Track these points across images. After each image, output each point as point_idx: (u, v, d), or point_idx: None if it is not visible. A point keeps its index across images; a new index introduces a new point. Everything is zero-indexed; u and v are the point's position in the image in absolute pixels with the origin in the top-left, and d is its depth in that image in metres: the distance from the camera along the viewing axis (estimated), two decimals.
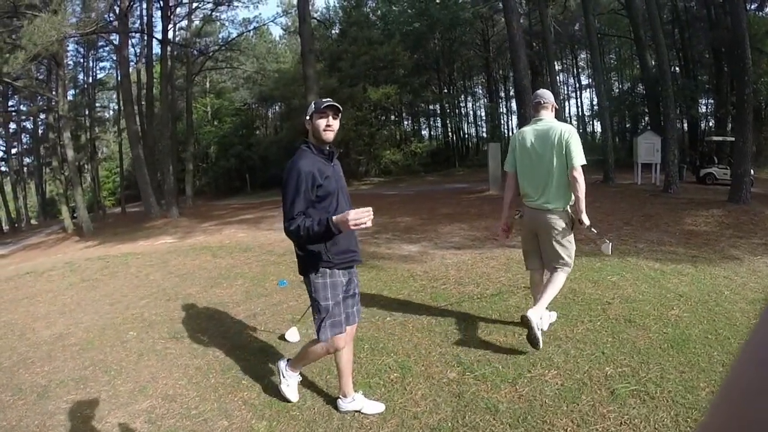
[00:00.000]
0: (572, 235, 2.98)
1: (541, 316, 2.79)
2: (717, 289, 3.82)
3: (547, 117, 2.99)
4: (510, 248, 5.67)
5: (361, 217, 1.92)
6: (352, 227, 1.92)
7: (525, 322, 2.78)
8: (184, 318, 4.32)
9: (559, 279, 2.95)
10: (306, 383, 2.82)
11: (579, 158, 2.81)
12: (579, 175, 2.79)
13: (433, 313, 3.77)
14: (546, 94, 3.04)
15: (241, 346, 3.48)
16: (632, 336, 2.97)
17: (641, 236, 6.25)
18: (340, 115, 2.31)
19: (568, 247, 2.95)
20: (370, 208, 1.96)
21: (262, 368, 3.06)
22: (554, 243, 2.92)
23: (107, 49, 23.77)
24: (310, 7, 29.38)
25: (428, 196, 13.63)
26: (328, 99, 2.31)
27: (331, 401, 2.59)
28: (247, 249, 8.21)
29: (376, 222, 8.98)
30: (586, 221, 2.87)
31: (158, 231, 13.31)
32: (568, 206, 2.93)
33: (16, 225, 27.90)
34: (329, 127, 2.26)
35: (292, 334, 3.53)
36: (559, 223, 2.89)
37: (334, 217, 2.02)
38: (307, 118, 2.31)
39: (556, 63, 32.86)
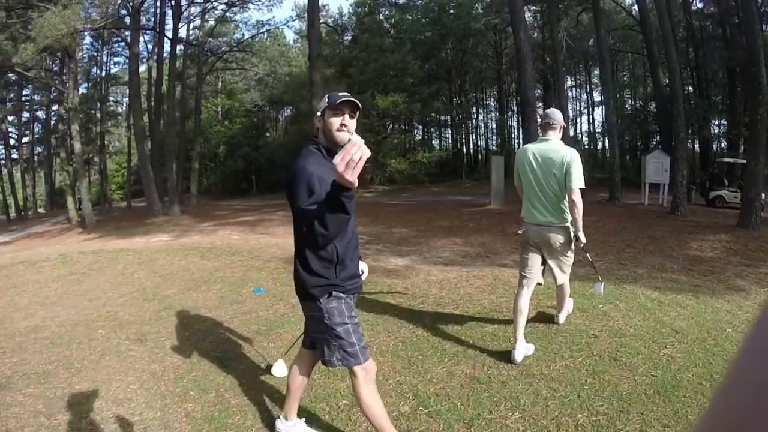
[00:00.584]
0: (573, 247, 3.15)
1: (568, 311, 3.48)
2: (718, 326, 3.50)
3: (554, 138, 3.08)
4: (500, 267, 5.41)
5: (351, 154, 1.41)
6: (346, 172, 1.40)
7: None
8: (154, 320, 4.28)
9: (566, 286, 3.30)
10: (253, 400, 2.70)
11: (578, 181, 2.91)
12: (577, 197, 2.90)
13: (401, 336, 3.51)
14: (556, 115, 3.11)
15: (199, 354, 3.38)
16: (615, 377, 2.65)
17: (642, 260, 5.93)
18: (358, 113, 1.93)
19: (570, 259, 3.19)
20: (355, 139, 1.44)
21: (213, 380, 2.96)
22: (559, 257, 3.12)
23: (122, 44, 23.96)
24: (325, 12, 29.60)
25: (429, 207, 13.39)
26: (346, 93, 1.90)
27: (271, 423, 2.42)
28: (235, 252, 8.07)
29: (369, 232, 8.74)
30: (583, 239, 3.01)
31: (157, 228, 13.28)
32: (569, 222, 3.06)
33: (23, 213, 28.13)
34: (344, 126, 1.88)
35: (279, 368, 2.99)
36: (563, 238, 3.04)
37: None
38: (318, 114, 1.95)
39: (569, 78, 32.67)
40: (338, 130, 1.89)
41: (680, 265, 5.72)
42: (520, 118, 31.38)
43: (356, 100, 1.89)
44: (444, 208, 13.09)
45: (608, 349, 3.03)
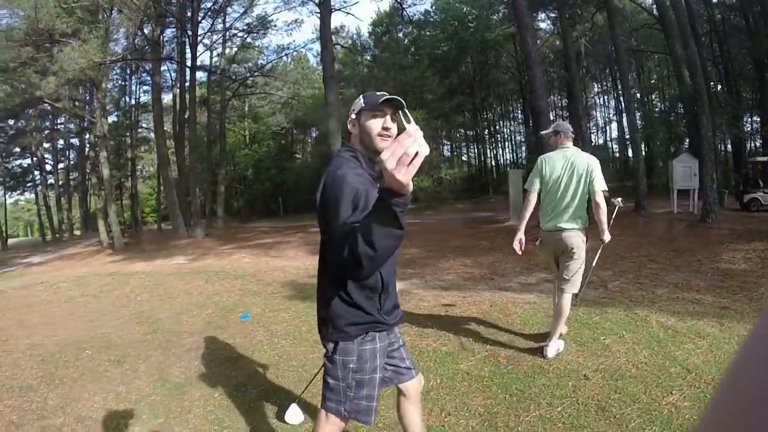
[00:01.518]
0: (584, 255, 3.18)
1: (558, 348, 3.19)
2: None
3: (572, 146, 3.25)
4: (501, 291, 5.03)
5: (405, 146, 1.03)
6: (398, 170, 1.04)
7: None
8: (138, 342, 4.40)
9: (564, 305, 3.17)
10: (196, 430, 2.60)
11: (600, 184, 3.04)
12: (601, 200, 3.03)
13: None
14: (569, 125, 3.32)
15: (164, 378, 3.42)
16: None
17: (664, 278, 5.37)
18: (400, 115, 1.55)
19: (578, 270, 3.16)
20: (411, 129, 1.05)
21: (167, 405, 2.96)
22: (571, 261, 3.13)
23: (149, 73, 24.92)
24: (345, 33, 30.01)
25: (448, 226, 13.09)
26: (384, 93, 1.55)
27: None
28: (240, 276, 8.02)
29: None
30: (606, 238, 3.17)
31: (178, 251, 13.52)
32: (580, 228, 3.13)
33: (58, 235, 29.56)
34: (387, 131, 1.53)
35: (294, 415, 2.57)
36: (577, 241, 3.10)
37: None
38: (353, 116, 1.61)
39: (596, 85, 31.69)
40: (380, 135, 1.54)
41: (707, 281, 5.13)
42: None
43: (400, 99, 1.51)
44: (462, 226, 12.73)
45: (598, 396, 2.50)
